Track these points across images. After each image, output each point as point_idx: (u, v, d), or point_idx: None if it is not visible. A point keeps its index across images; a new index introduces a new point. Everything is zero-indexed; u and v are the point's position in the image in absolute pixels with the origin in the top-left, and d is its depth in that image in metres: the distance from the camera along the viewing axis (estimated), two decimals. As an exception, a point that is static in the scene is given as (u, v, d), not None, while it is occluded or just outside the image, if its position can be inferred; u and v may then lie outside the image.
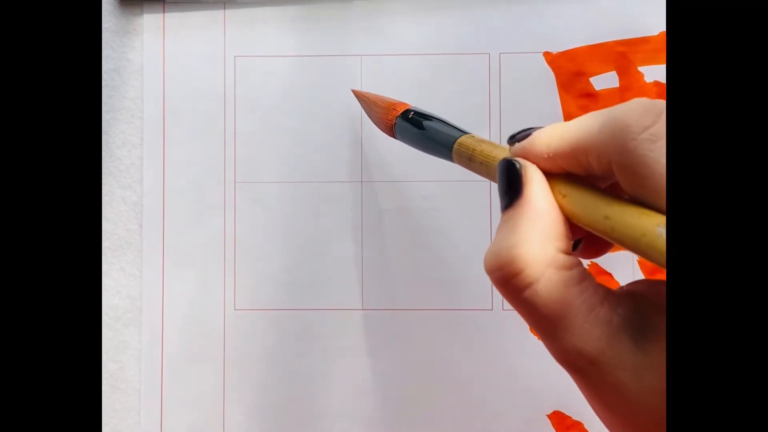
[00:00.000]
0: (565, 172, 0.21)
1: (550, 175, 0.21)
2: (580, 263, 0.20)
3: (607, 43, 0.37)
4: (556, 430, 0.36)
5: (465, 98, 0.37)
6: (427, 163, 0.37)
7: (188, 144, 0.37)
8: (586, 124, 0.20)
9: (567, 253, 0.20)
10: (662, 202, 0.18)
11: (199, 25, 0.37)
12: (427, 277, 0.36)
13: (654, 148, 0.18)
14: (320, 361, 0.36)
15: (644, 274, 0.36)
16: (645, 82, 0.36)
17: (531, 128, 0.22)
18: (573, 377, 0.20)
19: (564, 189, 0.21)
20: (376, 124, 0.33)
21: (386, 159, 0.37)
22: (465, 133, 0.26)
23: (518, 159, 0.22)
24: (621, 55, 0.36)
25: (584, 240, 0.23)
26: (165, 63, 0.37)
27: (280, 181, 0.37)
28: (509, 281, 0.20)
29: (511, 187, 0.21)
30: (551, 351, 0.20)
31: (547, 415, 0.36)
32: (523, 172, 0.21)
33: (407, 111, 0.30)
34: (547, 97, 0.36)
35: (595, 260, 0.36)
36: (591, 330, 0.19)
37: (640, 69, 0.36)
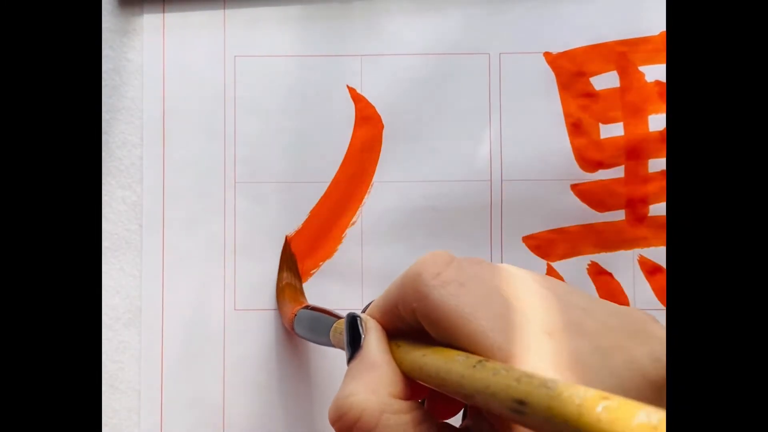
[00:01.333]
0: (401, 330, 0.22)
1: (392, 333, 0.23)
2: (419, 407, 0.21)
3: (608, 42, 0.37)
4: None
5: (465, 98, 0.37)
6: (427, 163, 0.37)
7: (188, 144, 0.37)
8: (394, 282, 0.22)
9: (403, 398, 0.21)
10: (463, 341, 0.19)
11: (199, 25, 0.37)
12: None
13: (444, 292, 0.20)
14: (320, 361, 0.36)
15: (644, 273, 0.36)
16: (645, 81, 0.36)
17: (371, 302, 0.24)
18: None
19: (399, 340, 0.22)
20: (285, 325, 0.35)
21: (386, 159, 0.37)
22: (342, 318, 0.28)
23: (360, 314, 0.23)
24: (621, 55, 0.36)
25: (431, 398, 0.25)
26: (165, 63, 0.37)
27: (280, 181, 0.37)
28: (350, 430, 0.21)
29: (353, 340, 0.23)
30: None
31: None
32: (362, 325, 0.23)
33: (302, 310, 0.32)
34: (547, 97, 0.36)
35: (594, 259, 0.36)
36: None
37: (641, 69, 0.36)
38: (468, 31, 0.37)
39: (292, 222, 0.37)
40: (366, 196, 0.37)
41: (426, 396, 0.24)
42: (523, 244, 0.36)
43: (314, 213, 0.37)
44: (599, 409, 0.15)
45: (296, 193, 0.37)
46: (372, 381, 0.21)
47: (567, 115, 0.36)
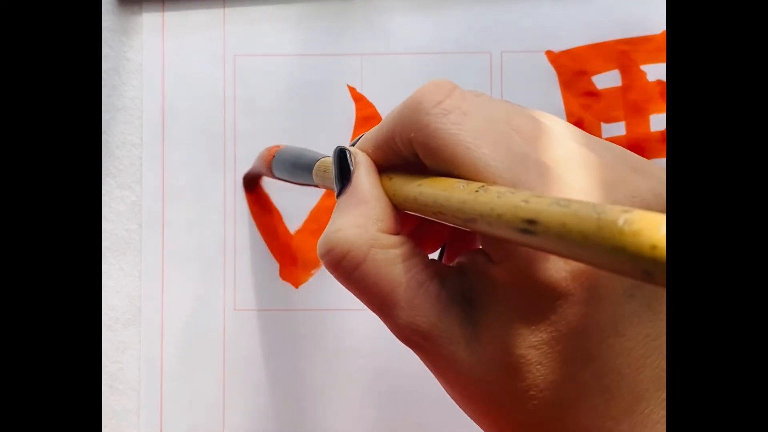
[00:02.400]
0: (394, 164, 0.22)
1: (383, 167, 0.22)
2: (409, 242, 0.21)
3: (610, 42, 0.36)
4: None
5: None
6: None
7: (188, 144, 0.37)
8: (391, 113, 0.21)
9: (392, 233, 0.21)
10: (463, 170, 0.19)
11: (198, 25, 0.37)
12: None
13: (445, 121, 0.19)
14: (320, 361, 0.36)
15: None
16: (647, 80, 0.36)
17: (360, 135, 0.24)
18: (417, 355, 0.21)
19: (391, 173, 0.22)
20: (258, 167, 0.34)
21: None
22: (325, 156, 0.27)
23: (349, 147, 0.23)
24: (623, 54, 0.36)
25: (447, 246, 0.25)
26: (164, 62, 0.37)
27: (279, 181, 0.37)
28: (338, 264, 0.21)
29: (342, 174, 0.22)
30: (390, 328, 0.21)
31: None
32: (351, 158, 0.22)
33: (281, 150, 0.31)
34: (549, 96, 0.36)
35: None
36: (421, 305, 0.20)
37: (643, 68, 0.36)
38: (469, 29, 0.37)
39: (292, 222, 0.37)
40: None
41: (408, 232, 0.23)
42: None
43: (314, 213, 0.37)
44: (621, 221, 0.13)
45: (297, 193, 0.37)
46: (361, 215, 0.21)
47: (569, 114, 0.36)
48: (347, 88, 0.37)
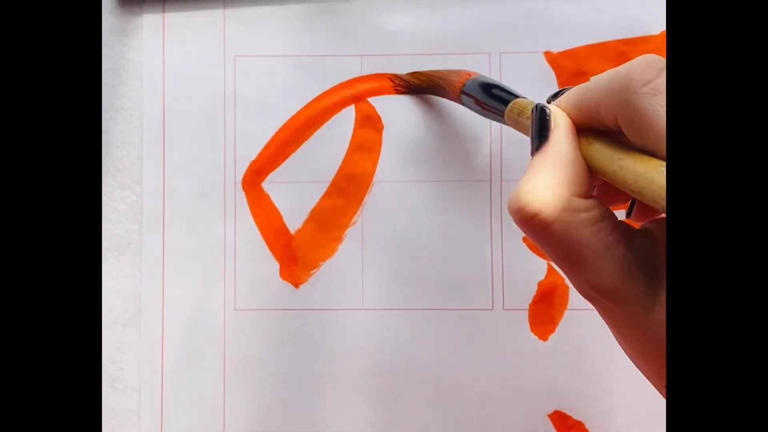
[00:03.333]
0: (593, 127, 0.22)
1: (582, 129, 0.22)
2: (599, 206, 0.21)
3: (608, 42, 0.37)
4: (556, 430, 0.36)
5: (465, 98, 0.37)
6: (427, 163, 0.37)
7: (188, 144, 0.37)
8: (598, 81, 0.22)
9: (584, 196, 0.21)
10: (663, 150, 0.19)
11: (199, 25, 0.37)
12: (427, 277, 0.36)
13: (654, 101, 0.19)
14: (320, 361, 0.36)
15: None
16: (646, 81, 0.36)
17: (567, 87, 0.24)
18: (595, 307, 0.22)
19: (591, 137, 0.22)
20: (443, 89, 0.34)
21: (386, 159, 0.37)
22: (520, 97, 0.27)
23: (549, 106, 0.23)
24: (622, 55, 0.36)
25: (636, 205, 0.25)
26: (165, 62, 0.37)
27: (280, 181, 0.37)
28: (528, 222, 0.21)
29: (540, 132, 0.22)
30: (572, 283, 0.22)
31: (548, 415, 0.36)
32: (551, 118, 0.22)
33: (473, 78, 0.31)
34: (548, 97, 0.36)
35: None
36: (606, 267, 0.21)
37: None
38: (468, 30, 0.37)
39: (293, 222, 0.37)
40: (366, 196, 0.37)
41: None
42: (524, 244, 0.36)
43: (314, 213, 0.37)
44: None
45: (297, 193, 0.37)
46: (555, 177, 0.21)
47: (567, 114, 0.36)
48: (347, 88, 0.37)
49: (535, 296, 0.36)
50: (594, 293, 0.21)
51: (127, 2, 0.37)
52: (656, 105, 0.19)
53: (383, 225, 0.37)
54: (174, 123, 0.37)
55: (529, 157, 0.23)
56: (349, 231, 0.37)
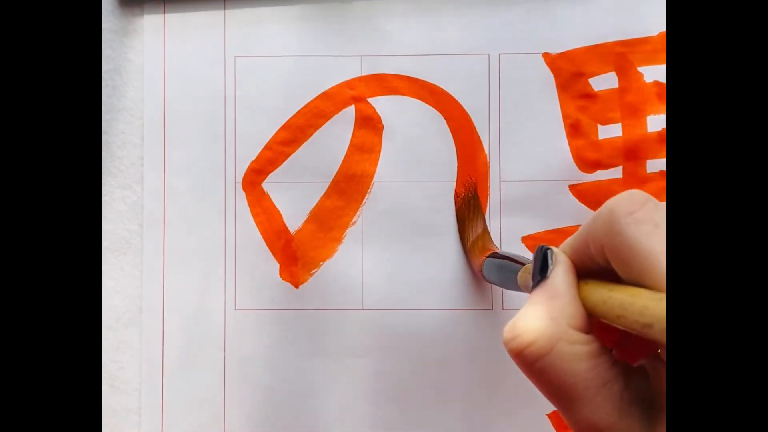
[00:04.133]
0: (591, 270, 0.22)
1: (581, 273, 0.23)
2: (597, 341, 0.21)
3: (607, 43, 0.37)
4: (556, 429, 0.36)
5: (465, 99, 0.37)
6: (427, 164, 0.37)
7: (188, 144, 0.37)
8: (587, 220, 0.22)
9: (582, 331, 0.21)
10: (651, 281, 0.19)
11: (199, 25, 0.37)
12: (427, 277, 0.36)
13: (638, 231, 0.19)
14: (320, 361, 0.36)
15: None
16: (644, 82, 0.36)
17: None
18: None
19: (588, 279, 0.22)
20: (469, 258, 0.36)
21: (386, 159, 0.37)
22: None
23: (553, 248, 0.23)
24: (620, 56, 0.36)
25: (631, 340, 0.25)
26: (165, 63, 0.37)
27: (280, 181, 0.37)
28: (521, 351, 0.21)
29: (541, 269, 0.23)
30: (566, 421, 0.21)
31: (547, 415, 0.36)
32: (552, 258, 0.23)
33: (492, 253, 0.33)
34: (546, 98, 0.37)
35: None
36: (603, 403, 0.20)
37: (640, 69, 0.36)
38: (467, 31, 0.37)
39: (293, 222, 0.37)
40: (366, 196, 0.37)
41: (615, 345, 0.24)
42: (523, 245, 0.36)
43: (314, 213, 0.37)
44: None
45: (297, 193, 0.37)
46: (553, 308, 0.21)
47: (565, 115, 0.36)
48: (347, 89, 0.37)
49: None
50: (589, 431, 0.20)
51: (127, 3, 0.37)
52: (639, 234, 0.19)
53: (383, 225, 0.37)
54: (174, 123, 0.37)
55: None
56: (349, 231, 0.37)
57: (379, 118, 0.37)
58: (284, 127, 0.37)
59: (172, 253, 0.37)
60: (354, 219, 0.37)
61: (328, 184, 0.37)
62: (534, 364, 0.21)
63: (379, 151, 0.37)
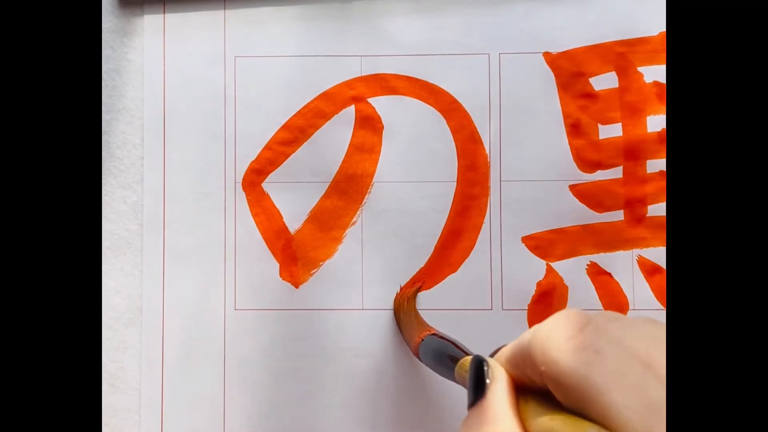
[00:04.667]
0: (529, 384, 0.21)
1: (520, 387, 0.21)
2: None
3: (607, 43, 0.37)
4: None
5: (465, 99, 0.37)
6: (427, 164, 0.37)
7: (189, 144, 0.37)
8: (523, 337, 0.20)
9: None
10: (594, 414, 0.18)
11: (199, 26, 0.37)
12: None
13: (576, 359, 0.18)
14: (320, 361, 0.36)
15: (643, 274, 0.36)
16: (644, 82, 0.36)
17: (502, 345, 0.23)
18: None
19: (528, 396, 0.21)
20: (404, 338, 0.35)
21: (386, 159, 0.37)
22: (470, 354, 0.27)
23: (489, 359, 0.22)
24: (620, 56, 0.37)
25: None
26: (165, 63, 0.37)
27: (280, 181, 0.37)
28: None
29: (477, 385, 0.21)
30: None
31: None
32: (489, 373, 0.21)
33: (429, 335, 0.31)
34: (546, 98, 0.37)
35: (593, 260, 0.36)
36: None
37: (640, 69, 0.36)
38: (468, 31, 0.37)
39: (293, 222, 0.37)
40: (366, 196, 0.37)
41: None
42: (523, 245, 0.36)
43: (314, 213, 0.37)
44: None
45: (297, 193, 0.37)
46: None
47: (566, 115, 0.36)
48: (347, 89, 0.37)
49: (533, 296, 0.36)
50: None
51: (127, 3, 0.37)
52: (578, 363, 0.18)
53: (383, 225, 0.37)
54: (174, 123, 0.37)
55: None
56: (349, 231, 0.37)
57: (379, 118, 0.37)
58: (284, 127, 0.37)
59: (172, 253, 0.37)
60: (354, 219, 0.37)
61: (328, 184, 0.37)
62: None
63: (379, 151, 0.37)
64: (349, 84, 0.37)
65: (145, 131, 0.37)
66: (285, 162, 0.37)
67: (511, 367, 0.21)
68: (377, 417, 0.36)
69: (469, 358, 0.26)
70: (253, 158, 0.37)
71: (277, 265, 0.37)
